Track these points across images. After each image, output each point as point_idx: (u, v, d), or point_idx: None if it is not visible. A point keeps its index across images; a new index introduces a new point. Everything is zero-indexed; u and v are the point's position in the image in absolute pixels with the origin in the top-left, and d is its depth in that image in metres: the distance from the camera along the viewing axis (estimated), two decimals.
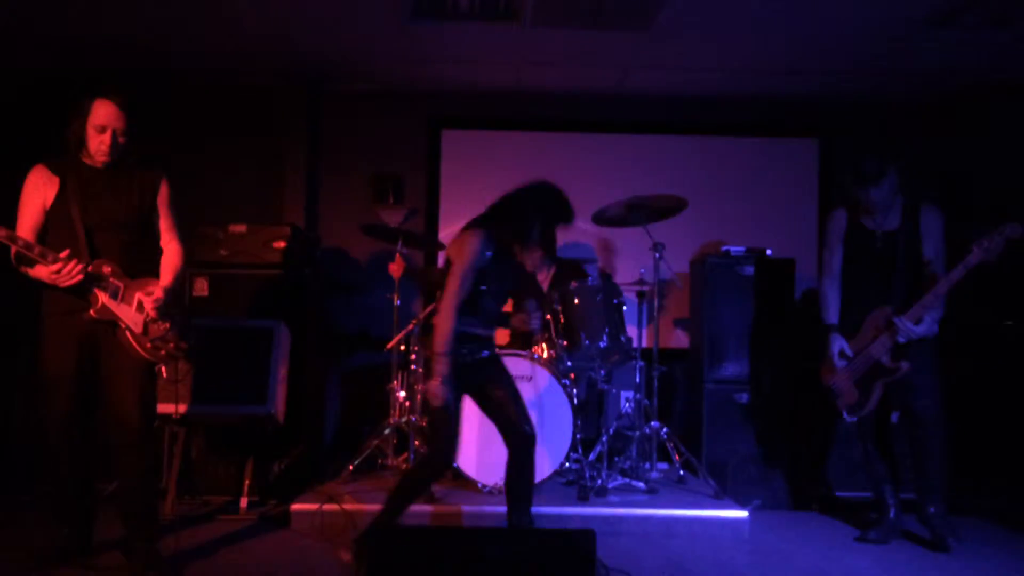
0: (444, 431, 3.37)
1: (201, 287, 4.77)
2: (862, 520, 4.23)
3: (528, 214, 3.36)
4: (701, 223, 5.63)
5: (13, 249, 3.09)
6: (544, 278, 5.23)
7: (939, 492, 3.90)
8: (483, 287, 3.36)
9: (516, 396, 3.55)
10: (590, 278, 4.69)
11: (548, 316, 4.52)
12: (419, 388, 3.24)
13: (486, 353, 3.51)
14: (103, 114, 3.18)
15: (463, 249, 3.30)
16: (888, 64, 5.13)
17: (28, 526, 3.83)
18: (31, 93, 5.55)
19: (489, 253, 3.32)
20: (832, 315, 4.09)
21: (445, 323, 3.25)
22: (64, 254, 3.06)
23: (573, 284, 4.47)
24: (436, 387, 3.22)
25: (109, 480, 3.85)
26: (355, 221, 5.44)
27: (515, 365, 4.40)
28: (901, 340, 3.80)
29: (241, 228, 4.85)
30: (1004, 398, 4.89)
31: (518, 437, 3.50)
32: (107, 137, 3.19)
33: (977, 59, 4.98)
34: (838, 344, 4.01)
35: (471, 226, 3.36)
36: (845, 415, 3.98)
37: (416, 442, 4.72)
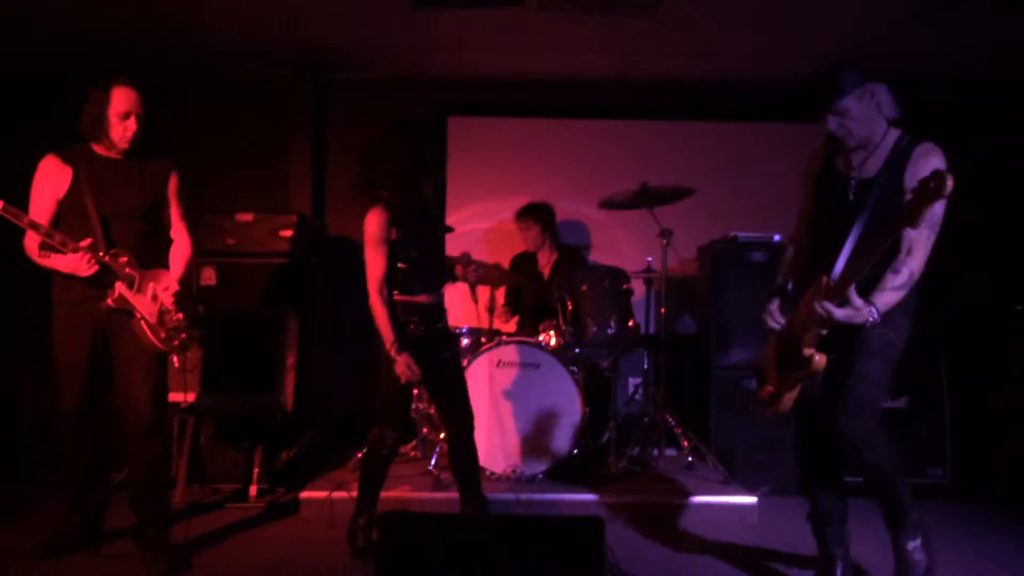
0: (394, 405, 3.44)
1: (208, 276, 4.77)
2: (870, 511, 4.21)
3: (385, 160, 3.36)
4: (709, 209, 5.60)
5: (32, 237, 3.10)
6: (546, 264, 5.23)
7: (906, 519, 2.85)
8: (405, 254, 3.35)
9: (461, 374, 3.58)
10: (596, 264, 4.68)
11: (556, 303, 4.52)
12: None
13: (438, 325, 3.51)
14: (125, 100, 3.19)
15: (366, 230, 3.31)
16: (894, 48, 5.09)
17: (39, 515, 3.86)
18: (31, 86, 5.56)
19: (391, 222, 3.31)
20: (780, 274, 3.20)
21: (377, 308, 3.29)
22: (85, 243, 3.07)
23: (580, 270, 4.47)
24: (401, 366, 3.27)
25: (119, 469, 3.89)
26: (362, 209, 5.42)
27: (523, 352, 4.41)
28: (821, 328, 2.72)
29: (248, 217, 4.85)
30: (1013, 381, 4.87)
31: (463, 416, 3.53)
32: (132, 123, 3.20)
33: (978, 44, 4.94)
34: (771, 305, 3.05)
35: (366, 205, 3.37)
36: (759, 405, 3.09)
37: (424, 429, 4.73)
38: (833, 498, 3.08)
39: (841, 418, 2.76)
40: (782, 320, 2.99)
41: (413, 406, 4.82)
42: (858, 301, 2.63)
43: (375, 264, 3.29)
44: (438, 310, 3.54)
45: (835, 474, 3.07)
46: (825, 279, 2.69)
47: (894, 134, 2.86)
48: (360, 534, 3.39)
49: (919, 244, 2.69)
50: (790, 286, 3.13)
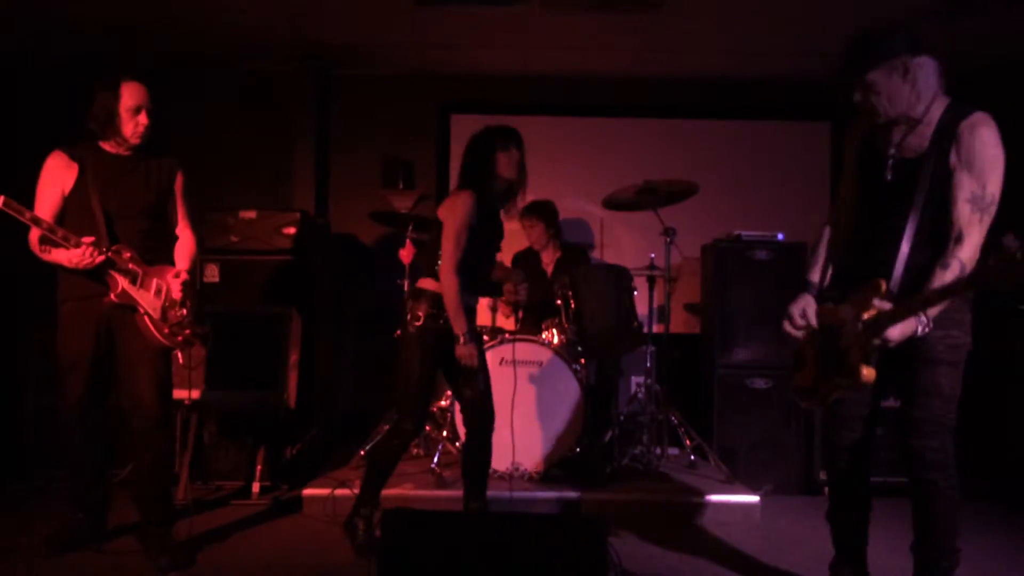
0: (410, 399, 3.41)
1: (212, 273, 4.78)
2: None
3: (488, 159, 3.43)
4: (713, 207, 5.60)
5: (34, 232, 3.11)
6: (549, 262, 5.22)
7: (946, 556, 2.59)
8: (471, 250, 3.36)
9: (485, 373, 3.55)
10: (599, 262, 4.67)
11: (558, 301, 4.51)
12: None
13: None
14: (135, 95, 3.20)
15: (456, 208, 3.32)
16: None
17: (42, 511, 3.87)
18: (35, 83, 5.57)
19: (479, 213, 3.34)
20: (813, 269, 2.88)
21: (450, 284, 3.28)
22: (88, 240, 3.08)
23: (583, 269, 4.46)
24: (466, 349, 3.29)
25: (123, 465, 3.89)
26: (365, 207, 5.43)
27: (526, 350, 4.40)
28: (876, 341, 2.41)
29: (251, 214, 4.86)
30: (1018, 380, 4.86)
31: (483, 416, 3.53)
32: (143, 117, 3.22)
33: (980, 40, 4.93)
34: (798, 304, 2.77)
35: (460, 188, 3.39)
36: (794, 394, 2.86)
37: (427, 427, 4.73)
38: (856, 514, 2.87)
39: (914, 439, 2.55)
40: (814, 322, 2.72)
41: None
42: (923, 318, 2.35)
43: (458, 245, 3.30)
44: (471, 314, 3.55)
45: (863, 484, 2.85)
46: (884, 285, 2.44)
47: (940, 105, 2.50)
48: (361, 526, 3.39)
49: (972, 229, 2.39)
50: (827, 280, 2.86)
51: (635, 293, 4.49)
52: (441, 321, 3.36)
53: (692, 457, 4.69)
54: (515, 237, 5.40)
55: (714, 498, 4.12)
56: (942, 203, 2.40)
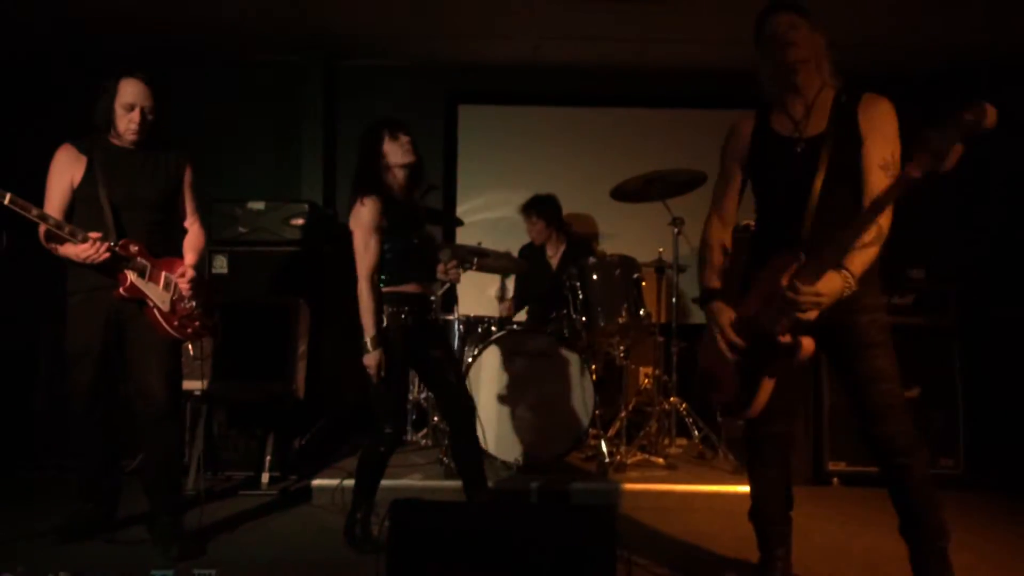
0: (387, 403, 3.36)
1: (220, 264, 4.79)
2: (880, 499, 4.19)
3: (378, 153, 3.36)
4: None
5: (42, 227, 3.12)
6: (555, 254, 5.22)
7: (937, 533, 2.61)
8: (397, 247, 3.33)
9: (458, 366, 3.51)
10: (606, 253, 4.66)
11: (566, 292, 4.51)
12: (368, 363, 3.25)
13: (428, 317, 3.47)
14: (130, 93, 3.21)
15: (358, 218, 3.26)
16: (901, 38, 5.05)
17: (52, 501, 3.88)
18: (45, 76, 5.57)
19: (386, 211, 3.29)
20: (710, 274, 2.81)
21: (365, 296, 3.25)
22: (95, 235, 3.09)
23: (591, 259, 4.45)
24: (373, 360, 3.22)
25: (133, 456, 3.91)
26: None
27: (534, 342, 4.40)
28: (804, 313, 2.38)
29: (259, 205, 4.86)
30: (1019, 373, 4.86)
31: (463, 410, 3.49)
32: (136, 115, 3.22)
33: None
34: (724, 315, 2.66)
35: (358, 193, 3.31)
36: (718, 414, 2.83)
37: (435, 418, 4.74)
38: (781, 498, 2.94)
39: (877, 428, 2.54)
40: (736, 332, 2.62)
41: (423, 395, 4.85)
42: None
43: (369, 252, 3.27)
44: (428, 301, 3.49)
45: (786, 473, 2.92)
46: (802, 255, 2.40)
47: (829, 91, 2.62)
48: (358, 527, 3.39)
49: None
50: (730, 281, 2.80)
51: (643, 283, 4.48)
52: (403, 317, 3.32)
53: (700, 448, 4.69)
54: (523, 227, 5.40)
55: (722, 488, 4.13)
56: (851, 177, 2.47)
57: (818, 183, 2.51)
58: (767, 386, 2.55)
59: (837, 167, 2.50)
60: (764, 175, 2.74)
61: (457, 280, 3.89)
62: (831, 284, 2.35)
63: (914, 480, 2.57)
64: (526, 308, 5.31)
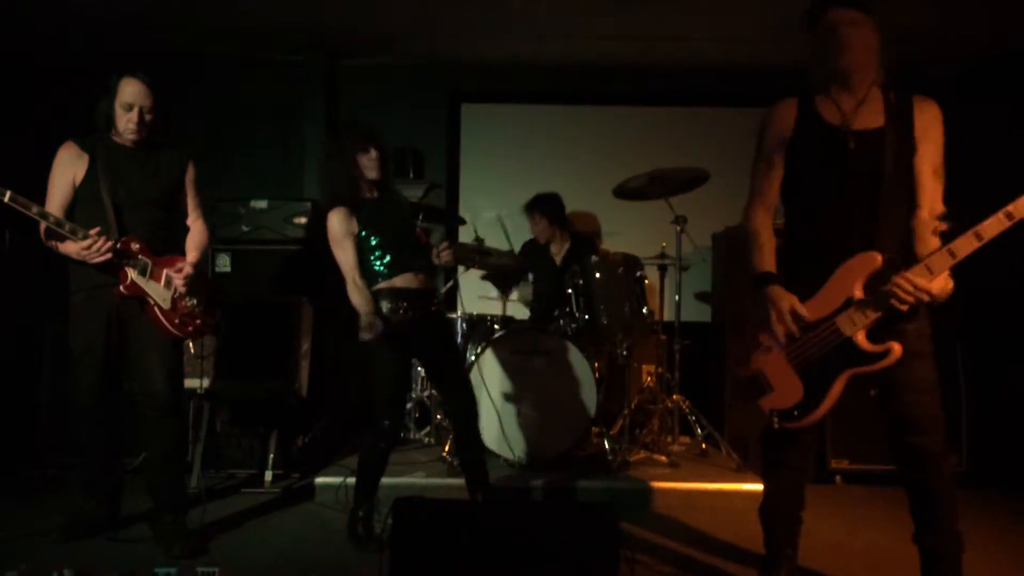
0: (386, 391, 3.37)
1: (223, 263, 4.79)
2: (883, 497, 4.19)
3: (335, 161, 3.35)
4: (724, 196, 5.53)
5: (43, 225, 3.12)
6: (558, 252, 5.22)
7: (955, 544, 2.60)
8: (373, 243, 3.34)
9: (460, 360, 3.50)
10: (609, 252, 4.66)
11: (569, 291, 4.50)
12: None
13: (431, 309, 3.45)
14: (130, 92, 3.21)
15: (331, 231, 3.31)
16: (910, 34, 5.03)
17: (56, 499, 3.89)
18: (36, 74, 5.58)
19: (359, 218, 3.31)
20: (766, 258, 2.66)
21: (354, 294, 3.29)
22: (95, 232, 3.09)
23: (594, 258, 4.45)
24: (365, 325, 3.24)
25: (136, 454, 3.91)
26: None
27: (537, 339, 4.40)
28: (901, 305, 2.36)
29: (262, 204, 4.86)
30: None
31: (465, 405, 3.50)
32: (135, 115, 3.22)
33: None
34: (785, 300, 2.55)
35: (328, 205, 3.34)
36: (774, 421, 2.66)
37: (438, 416, 4.74)
38: (796, 499, 2.91)
39: (915, 437, 2.52)
40: (806, 318, 2.52)
41: (426, 393, 4.85)
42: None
43: (346, 258, 3.30)
44: (426, 293, 3.46)
45: (804, 475, 2.90)
46: (880, 257, 2.39)
47: (876, 86, 2.56)
48: (361, 525, 3.39)
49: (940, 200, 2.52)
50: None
51: (646, 282, 4.48)
52: (402, 311, 3.33)
53: (703, 445, 4.69)
54: (527, 225, 5.40)
55: (725, 486, 4.13)
56: (909, 177, 2.46)
57: (888, 181, 2.45)
58: (836, 391, 2.53)
59: (898, 166, 2.46)
60: (813, 165, 2.61)
61: (450, 262, 3.79)
62: (944, 285, 2.37)
63: (942, 489, 2.56)
64: (529, 306, 5.31)
